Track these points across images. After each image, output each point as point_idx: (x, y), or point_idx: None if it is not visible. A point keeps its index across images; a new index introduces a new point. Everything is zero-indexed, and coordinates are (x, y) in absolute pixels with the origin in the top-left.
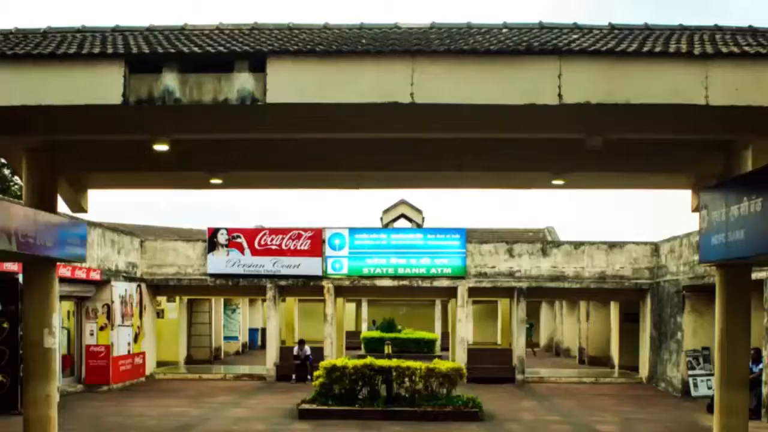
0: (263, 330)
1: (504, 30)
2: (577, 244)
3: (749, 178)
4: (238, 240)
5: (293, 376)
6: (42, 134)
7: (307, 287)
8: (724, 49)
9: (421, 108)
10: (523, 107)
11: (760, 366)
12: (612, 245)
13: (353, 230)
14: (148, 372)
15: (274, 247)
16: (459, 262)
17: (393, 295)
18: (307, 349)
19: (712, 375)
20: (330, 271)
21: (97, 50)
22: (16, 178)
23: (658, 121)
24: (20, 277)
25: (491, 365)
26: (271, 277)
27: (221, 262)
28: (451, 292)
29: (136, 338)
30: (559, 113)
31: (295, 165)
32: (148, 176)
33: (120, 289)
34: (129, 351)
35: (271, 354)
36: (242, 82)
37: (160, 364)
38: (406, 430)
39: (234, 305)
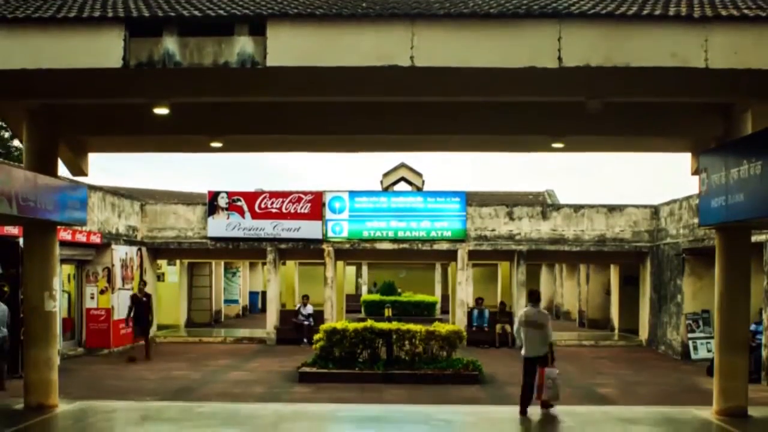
0: (263, 293)
1: None
2: (577, 207)
3: (749, 141)
4: (239, 203)
5: (305, 340)
6: (42, 98)
7: (307, 250)
8: (723, 12)
9: (420, 71)
10: (522, 70)
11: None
12: (612, 208)
13: (353, 193)
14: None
15: (274, 210)
16: (459, 225)
17: (393, 258)
18: (310, 308)
19: (712, 338)
20: (330, 234)
21: (97, 14)
22: (16, 141)
23: (658, 84)
24: (21, 241)
25: (490, 328)
26: (272, 240)
27: (221, 226)
28: (451, 255)
29: None
30: (559, 76)
31: (295, 128)
32: (148, 139)
33: (120, 252)
34: (129, 314)
35: (272, 317)
36: (242, 45)
37: (160, 327)
38: (406, 393)
39: (234, 268)
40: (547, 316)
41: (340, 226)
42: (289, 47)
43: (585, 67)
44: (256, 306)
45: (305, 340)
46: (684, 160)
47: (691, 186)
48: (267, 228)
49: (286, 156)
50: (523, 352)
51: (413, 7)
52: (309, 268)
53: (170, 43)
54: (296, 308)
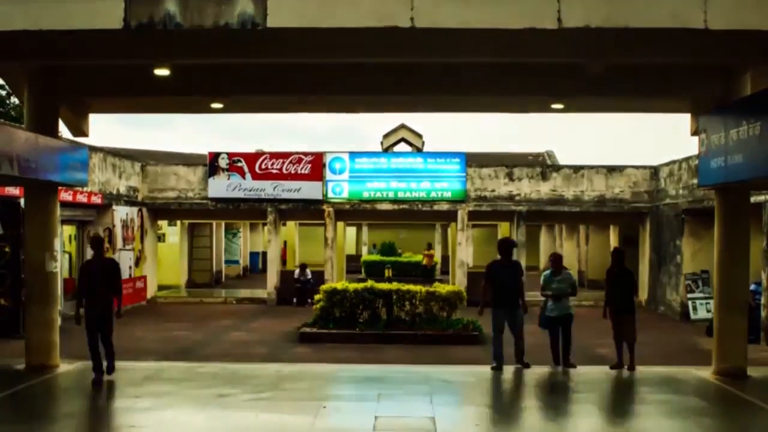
0: (264, 254)
1: None
2: (577, 168)
3: (748, 103)
4: (239, 164)
5: (294, 300)
6: (43, 59)
7: (307, 211)
8: None
9: (420, 32)
10: (522, 31)
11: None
12: (611, 169)
13: (353, 154)
14: (149, 296)
15: (274, 171)
16: (459, 186)
17: (393, 218)
18: (308, 273)
19: (711, 298)
20: (330, 195)
21: None
22: (13, 98)
23: (658, 45)
24: (22, 202)
25: None
26: (272, 201)
27: (222, 187)
28: (451, 216)
29: (137, 262)
30: (559, 38)
31: (296, 89)
32: (149, 100)
33: (121, 213)
34: (130, 275)
35: (272, 278)
36: (243, 6)
37: (161, 287)
38: (406, 354)
39: (235, 229)
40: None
41: (340, 187)
42: (290, 8)
43: (585, 28)
44: (256, 266)
45: (309, 301)
46: (684, 120)
47: (691, 147)
48: (267, 189)
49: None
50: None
51: None
52: (309, 228)
53: (171, 4)
54: (295, 276)
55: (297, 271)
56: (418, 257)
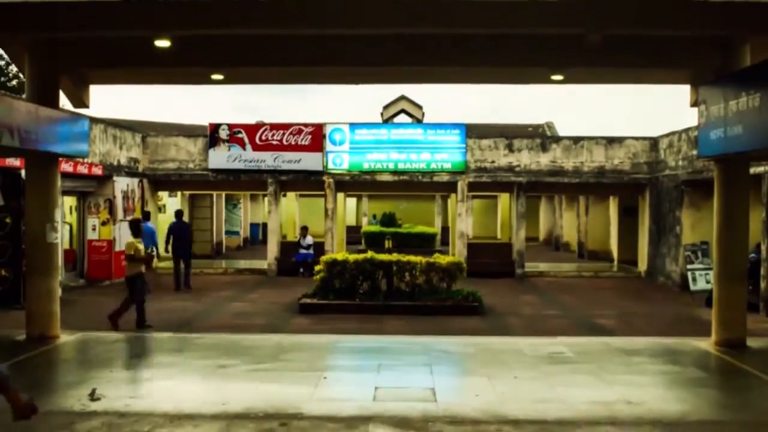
0: (264, 225)
1: None
2: (577, 139)
3: (748, 74)
4: (239, 135)
5: (300, 270)
6: (44, 30)
7: (307, 182)
8: None
9: (421, 2)
10: (523, 3)
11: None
12: (611, 140)
13: (354, 125)
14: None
15: (275, 142)
16: (459, 157)
17: (393, 189)
18: (310, 238)
19: (711, 269)
20: (330, 166)
21: None
22: (12, 67)
23: (657, 16)
24: (23, 173)
25: (491, 260)
26: (272, 172)
27: (222, 158)
28: (451, 187)
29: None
30: (558, 7)
31: (296, 60)
32: (149, 72)
33: (122, 184)
34: None
35: (272, 249)
36: None
37: (161, 258)
38: (406, 324)
39: (235, 200)
40: None
41: (340, 158)
42: None
43: None
44: (256, 237)
45: (305, 271)
46: (683, 91)
47: (690, 118)
48: (268, 160)
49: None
50: None
51: None
52: (309, 200)
53: None
54: (297, 240)
55: (299, 236)
56: (419, 228)
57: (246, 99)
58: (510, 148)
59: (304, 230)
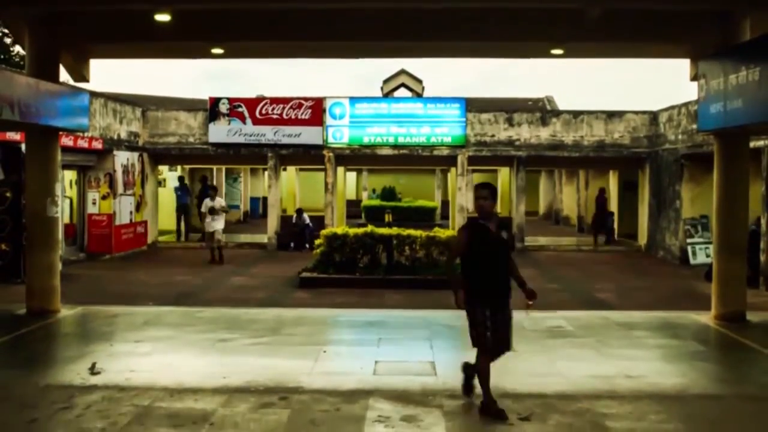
0: (264, 199)
1: None
2: (576, 113)
3: (747, 48)
4: (240, 109)
5: (291, 244)
6: (44, 4)
7: (308, 156)
8: None
9: None
10: None
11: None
12: (611, 114)
13: (354, 99)
14: (149, 241)
15: (275, 116)
16: (459, 131)
17: (393, 164)
18: (306, 218)
19: (711, 243)
20: (330, 140)
21: None
22: (17, 47)
23: None
24: (23, 147)
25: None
26: (272, 146)
27: (222, 132)
28: (451, 161)
29: (138, 207)
30: None
31: (295, 35)
32: (149, 46)
33: (122, 158)
34: (131, 220)
35: (272, 223)
36: None
37: (161, 233)
38: (406, 298)
39: (235, 174)
40: None
41: (340, 132)
42: None
43: None
44: (256, 211)
45: (307, 245)
46: (683, 66)
47: (690, 92)
48: (268, 134)
49: (286, 64)
50: None
51: None
52: (309, 174)
53: None
54: (293, 221)
55: (294, 216)
56: (419, 202)
57: (238, 66)
58: (510, 122)
59: (299, 212)
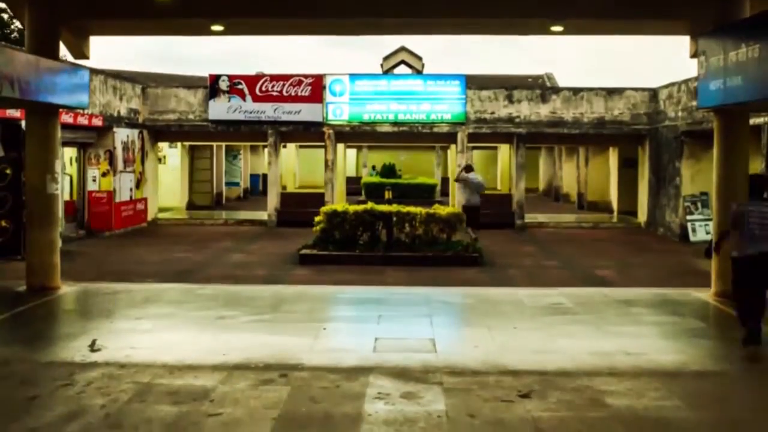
0: (264, 176)
1: None
2: (576, 90)
3: (747, 25)
4: (240, 86)
5: None
6: None
7: (307, 133)
8: None
9: None
10: None
11: None
12: (611, 91)
13: (354, 76)
14: (149, 218)
15: (275, 93)
16: (459, 108)
17: (393, 141)
18: None
19: (710, 220)
20: (330, 117)
21: None
22: (16, 22)
23: None
24: (23, 124)
25: (491, 210)
26: (272, 123)
27: (222, 109)
28: (451, 138)
29: (138, 184)
30: None
31: (294, 11)
32: (149, 23)
33: (122, 135)
34: (131, 197)
35: (272, 200)
36: None
37: (161, 209)
38: (406, 275)
39: (235, 151)
40: None
41: (340, 109)
42: None
43: None
44: (257, 188)
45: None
46: (683, 43)
47: (690, 69)
48: (268, 111)
49: (286, 41)
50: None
51: None
52: (309, 151)
53: None
54: None
55: None
56: (419, 179)
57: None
58: (510, 99)
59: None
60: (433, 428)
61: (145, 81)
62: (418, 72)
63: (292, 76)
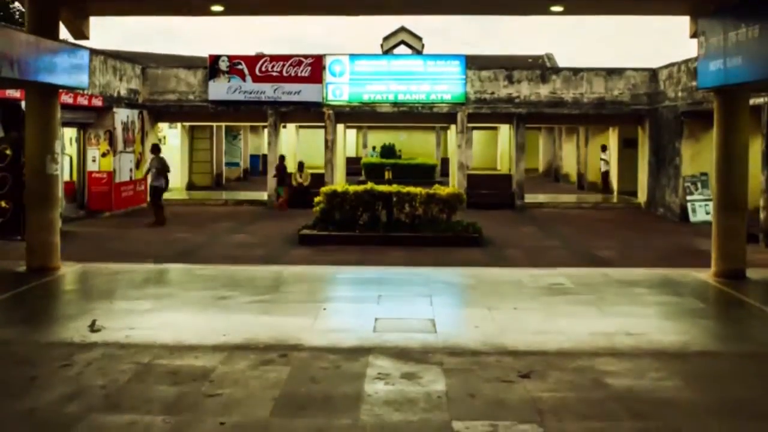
0: (264, 156)
1: None
2: (576, 71)
3: (747, 5)
4: (239, 67)
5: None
6: None
7: (307, 113)
8: None
9: None
10: None
11: None
12: (611, 71)
13: (354, 56)
14: (149, 198)
15: (275, 73)
16: (458, 89)
17: (393, 121)
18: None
19: (710, 200)
20: (330, 97)
21: None
22: (16, 3)
23: None
24: (23, 104)
25: (491, 191)
26: (272, 103)
27: (222, 89)
28: (451, 118)
29: (137, 165)
30: None
31: None
32: (148, 3)
33: (122, 115)
34: (131, 177)
35: (272, 180)
36: None
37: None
38: (406, 255)
39: (235, 132)
40: None
41: (340, 90)
42: None
43: None
44: (256, 169)
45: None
46: (683, 23)
47: (690, 49)
48: (267, 91)
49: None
50: None
51: None
52: (309, 131)
53: None
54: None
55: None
56: (419, 159)
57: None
58: (510, 79)
59: (300, 165)
60: (433, 408)
61: (145, 61)
62: (418, 52)
63: (291, 56)
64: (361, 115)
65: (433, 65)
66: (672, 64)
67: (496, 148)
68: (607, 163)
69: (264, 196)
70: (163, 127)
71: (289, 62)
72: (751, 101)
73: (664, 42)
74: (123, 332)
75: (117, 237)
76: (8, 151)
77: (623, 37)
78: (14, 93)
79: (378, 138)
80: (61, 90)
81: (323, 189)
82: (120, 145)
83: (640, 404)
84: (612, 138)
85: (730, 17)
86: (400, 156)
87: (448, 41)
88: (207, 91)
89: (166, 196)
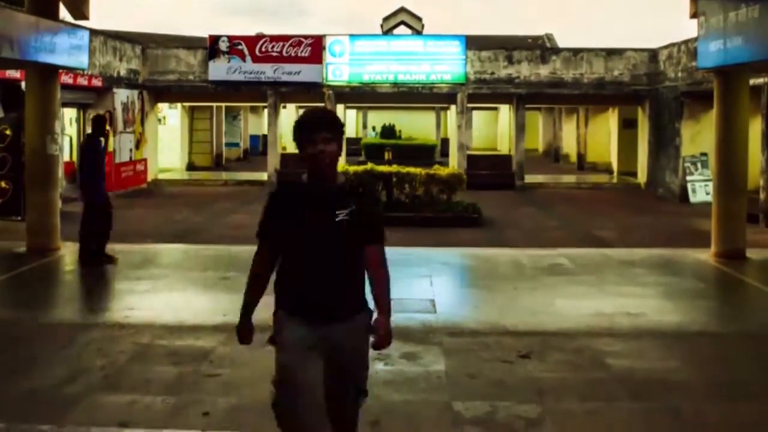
0: (264, 137)
1: None
2: (576, 51)
3: None
4: (239, 47)
5: None
6: None
7: (307, 94)
8: None
9: None
10: None
11: None
12: (611, 52)
13: (354, 37)
14: (149, 178)
15: (275, 54)
16: (458, 69)
17: (393, 101)
18: None
19: (710, 180)
20: (330, 78)
21: None
22: None
23: None
24: (23, 84)
25: (491, 171)
26: (272, 83)
27: (222, 69)
28: (451, 99)
29: (137, 145)
30: None
31: None
32: None
33: (122, 95)
34: (131, 158)
35: (272, 160)
36: None
37: (161, 170)
38: (405, 236)
39: (235, 112)
40: None
41: (340, 70)
42: None
43: None
44: (256, 149)
45: None
46: (683, 2)
47: (690, 29)
48: (267, 71)
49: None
50: None
51: None
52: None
53: None
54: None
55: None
56: (419, 140)
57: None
58: (510, 59)
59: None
60: (433, 388)
61: (145, 42)
62: (418, 32)
63: (291, 36)
64: (361, 95)
65: (433, 45)
66: (672, 45)
67: (496, 129)
68: None
69: (264, 176)
70: (163, 107)
71: (289, 42)
72: (751, 82)
73: (665, 22)
74: (123, 312)
75: (116, 217)
76: (8, 132)
77: (623, 18)
78: (14, 73)
79: (378, 118)
80: (61, 70)
81: None
82: (120, 126)
83: (639, 384)
84: (612, 118)
85: None
86: (400, 136)
87: (452, 19)
88: (207, 71)
89: (166, 176)
